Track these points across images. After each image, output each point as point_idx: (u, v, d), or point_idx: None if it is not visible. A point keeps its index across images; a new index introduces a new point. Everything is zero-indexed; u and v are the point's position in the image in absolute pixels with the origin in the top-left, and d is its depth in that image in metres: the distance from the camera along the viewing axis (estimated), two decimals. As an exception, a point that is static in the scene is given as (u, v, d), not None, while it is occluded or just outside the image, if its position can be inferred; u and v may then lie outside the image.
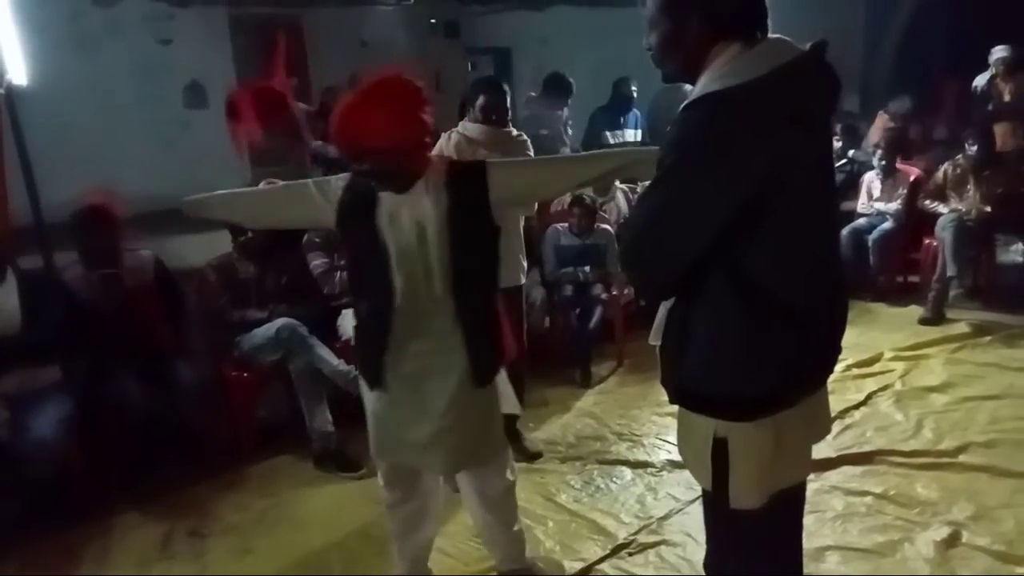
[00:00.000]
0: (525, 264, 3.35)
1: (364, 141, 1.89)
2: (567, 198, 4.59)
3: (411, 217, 1.97)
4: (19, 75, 3.32)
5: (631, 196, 4.96)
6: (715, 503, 1.56)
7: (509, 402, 2.29)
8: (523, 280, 3.36)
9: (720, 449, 1.49)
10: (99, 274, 3.35)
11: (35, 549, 2.89)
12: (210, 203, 2.26)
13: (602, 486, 3.14)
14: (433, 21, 9.99)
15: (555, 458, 3.41)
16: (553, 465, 3.35)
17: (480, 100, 3.15)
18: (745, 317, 1.43)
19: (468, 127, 3.18)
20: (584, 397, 4.08)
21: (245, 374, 3.56)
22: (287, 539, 2.91)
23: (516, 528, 2.44)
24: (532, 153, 3.24)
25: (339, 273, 3.76)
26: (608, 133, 5.99)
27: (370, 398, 2.18)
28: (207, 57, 8.29)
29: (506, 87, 3.28)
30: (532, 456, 3.38)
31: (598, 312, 4.27)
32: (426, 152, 2.02)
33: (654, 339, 1.61)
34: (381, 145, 1.88)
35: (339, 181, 2.08)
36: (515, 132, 3.28)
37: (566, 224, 4.42)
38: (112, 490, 3.24)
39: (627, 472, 3.24)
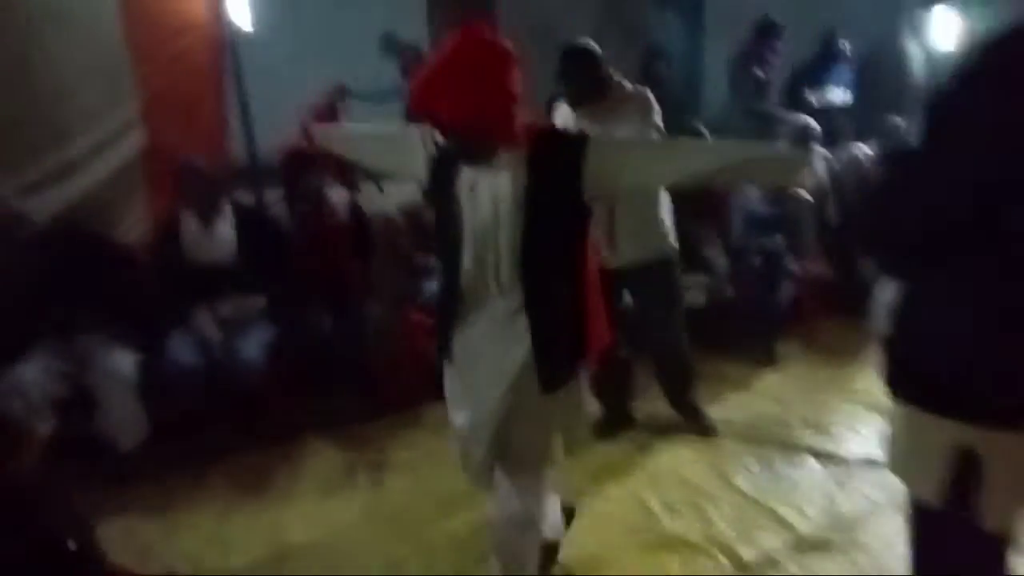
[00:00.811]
0: (671, 230, 3.02)
1: (439, 113, 1.69)
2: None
3: (488, 193, 1.77)
4: (244, 22, 3.51)
5: (834, 163, 4.55)
6: (939, 520, 1.37)
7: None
8: (669, 252, 3.02)
9: (966, 460, 1.29)
10: (301, 212, 3.54)
11: (235, 466, 3.17)
12: (332, 135, 2.28)
13: (783, 474, 2.95)
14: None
15: (731, 437, 3.24)
16: (730, 444, 3.19)
17: (563, 87, 2.83)
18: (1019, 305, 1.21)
19: (563, 109, 2.92)
20: (765, 376, 3.84)
21: (429, 319, 3.66)
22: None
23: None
24: (655, 114, 2.80)
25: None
26: (809, 90, 5.48)
27: (445, 368, 2.03)
28: (399, 5, 8.44)
29: (594, 49, 2.80)
30: (706, 430, 3.25)
31: (787, 286, 3.97)
32: (510, 123, 1.74)
33: (878, 325, 1.41)
34: (455, 118, 1.68)
35: (438, 133, 1.86)
36: (626, 84, 2.85)
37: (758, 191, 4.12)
38: (302, 418, 3.48)
39: (813, 463, 3.02)
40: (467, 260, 1.82)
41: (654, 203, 2.96)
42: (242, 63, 3.58)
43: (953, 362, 1.29)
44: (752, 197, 4.10)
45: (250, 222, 3.38)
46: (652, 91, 2.88)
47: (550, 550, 2.30)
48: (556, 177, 1.75)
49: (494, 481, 2.00)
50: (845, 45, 5.46)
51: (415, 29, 7.87)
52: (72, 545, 1.87)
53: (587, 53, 2.81)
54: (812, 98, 5.35)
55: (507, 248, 1.78)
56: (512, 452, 1.92)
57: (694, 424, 3.28)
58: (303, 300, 3.49)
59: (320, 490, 2.98)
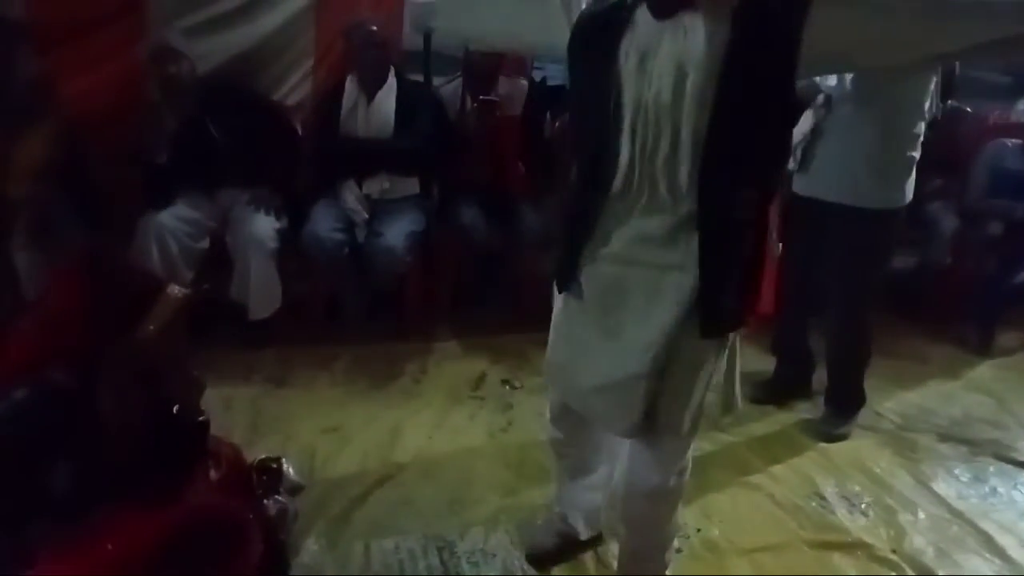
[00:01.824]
0: (911, 181, 2.41)
1: None
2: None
3: (670, 55, 1.30)
4: None
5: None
6: None
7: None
8: (904, 201, 2.41)
9: None
10: (476, 98, 3.18)
11: (362, 355, 2.96)
12: (436, 7, 1.85)
13: (1001, 490, 2.36)
14: None
15: (931, 433, 2.67)
16: (927, 440, 2.62)
17: None
18: None
19: None
20: (979, 367, 3.18)
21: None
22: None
23: (658, 535, 1.69)
24: None
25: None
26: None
27: (555, 304, 1.61)
28: None
29: None
30: (831, 438, 2.57)
31: (1032, 267, 3.23)
32: None
33: None
34: None
35: None
36: None
37: (1019, 141, 3.33)
38: (437, 318, 3.23)
39: (1037, 483, 2.41)
40: (625, 153, 1.35)
41: (902, 139, 2.34)
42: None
43: None
44: (1011, 149, 3.31)
45: (414, 98, 3.06)
46: None
47: (577, 546, 1.92)
48: (767, 41, 1.27)
49: (622, 448, 1.62)
50: None
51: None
52: (176, 409, 1.69)
53: None
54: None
55: (689, 134, 1.31)
56: (660, 412, 1.48)
57: (821, 422, 2.63)
58: (458, 195, 3.18)
59: (445, 398, 2.72)
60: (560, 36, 1.49)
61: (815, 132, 2.42)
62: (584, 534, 1.93)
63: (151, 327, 1.61)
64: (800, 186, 2.52)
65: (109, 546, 1.25)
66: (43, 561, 1.26)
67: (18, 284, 2.65)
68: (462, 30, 2.03)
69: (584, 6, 1.45)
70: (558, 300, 1.61)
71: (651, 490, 1.58)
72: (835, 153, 2.39)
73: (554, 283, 1.60)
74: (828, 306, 2.59)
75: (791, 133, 1.43)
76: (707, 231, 1.36)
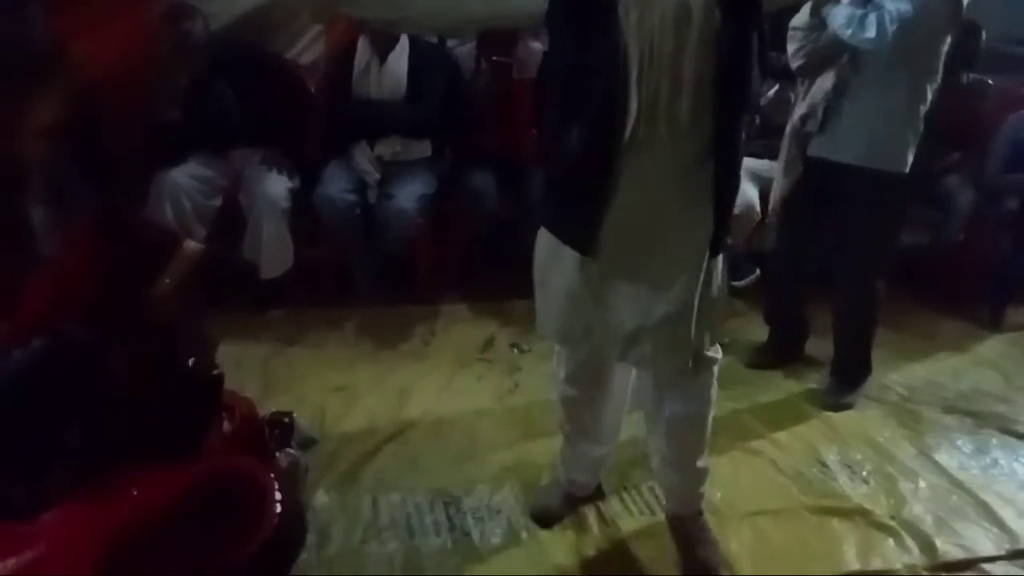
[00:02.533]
0: (905, 148, 2.36)
1: None
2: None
3: (670, 6, 1.37)
4: None
5: None
6: None
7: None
8: (897, 167, 2.36)
9: None
10: (491, 60, 3.15)
11: (372, 317, 2.99)
12: None
13: (1003, 463, 2.37)
14: None
15: (936, 405, 2.67)
16: (933, 414, 2.62)
17: None
18: None
19: None
20: (988, 342, 3.17)
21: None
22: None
23: (700, 464, 1.81)
24: None
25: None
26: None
27: (561, 266, 1.61)
28: None
29: None
30: (838, 407, 2.58)
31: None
32: None
33: None
34: None
35: None
36: None
37: (1041, 115, 3.29)
38: (449, 281, 3.25)
39: (1041, 457, 2.42)
40: (634, 105, 1.39)
41: (902, 96, 2.32)
42: None
43: None
44: (1030, 121, 3.27)
45: (427, 60, 3.04)
46: None
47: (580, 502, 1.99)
48: None
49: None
50: None
51: None
52: (191, 363, 1.72)
53: None
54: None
55: (692, 77, 1.38)
56: (675, 344, 1.57)
57: (826, 394, 2.63)
58: (470, 159, 3.17)
59: (453, 361, 2.75)
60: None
61: (837, 91, 2.36)
62: (587, 491, 1.99)
63: (167, 281, 1.64)
64: (816, 148, 2.45)
65: (134, 492, 1.27)
66: (65, 505, 1.30)
67: (35, 237, 2.69)
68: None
69: None
70: (560, 262, 1.61)
71: (692, 417, 1.71)
72: (863, 114, 2.34)
73: (537, 255, 1.67)
74: (837, 275, 2.59)
75: (762, 64, 1.48)
76: (721, 160, 1.48)
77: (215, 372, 1.79)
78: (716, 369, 1.70)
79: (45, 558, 1.17)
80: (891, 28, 2.16)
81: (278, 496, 1.36)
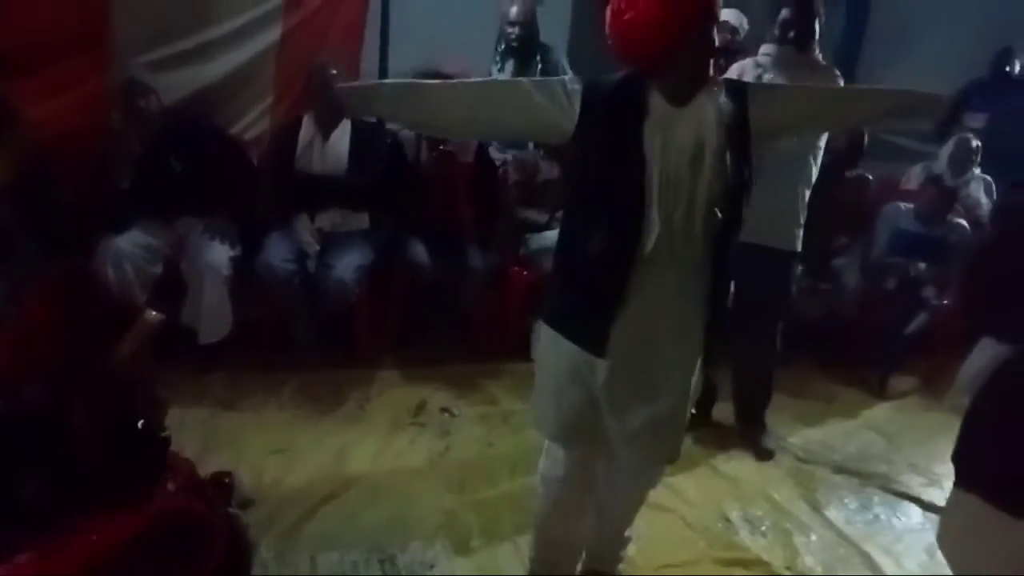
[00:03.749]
0: (800, 230, 2.77)
1: (649, 40, 1.51)
2: (919, 175, 3.91)
3: (690, 137, 1.55)
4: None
5: (994, 188, 4.10)
6: None
7: None
8: (796, 247, 2.78)
9: None
10: (435, 147, 3.37)
11: (308, 381, 3.10)
12: (381, 94, 1.77)
13: (883, 517, 2.65)
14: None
15: (828, 465, 2.96)
16: (824, 473, 2.90)
17: (781, 14, 2.70)
18: None
19: (763, 48, 2.76)
20: (875, 408, 3.51)
21: (524, 272, 3.51)
22: (528, 447, 2.81)
23: (628, 533, 2.06)
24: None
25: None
26: (972, 117, 4.95)
27: (561, 365, 1.71)
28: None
29: (818, 5, 2.71)
30: (763, 453, 2.94)
31: (922, 319, 3.60)
32: (713, 55, 1.59)
33: (957, 397, 1.21)
34: (666, 37, 1.50)
35: (573, 83, 1.62)
36: (820, 58, 2.75)
37: (911, 205, 3.74)
38: (381, 347, 3.39)
39: (916, 513, 2.70)
40: (656, 217, 1.55)
41: (799, 181, 2.70)
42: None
43: None
44: (904, 212, 3.72)
45: (367, 138, 3.26)
46: None
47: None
48: (734, 122, 1.58)
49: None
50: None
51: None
52: (141, 424, 1.81)
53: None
54: (973, 122, 4.83)
55: (704, 200, 1.56)
56: (672, 437, 1.79)
57: (751, 443, 2.96)
58: (406, 231, 3.37)
59: (388, 423, 2.88)
60: (556, 119, 1.61)
61: None
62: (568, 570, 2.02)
63: (126, 348, 1.75)
64: None
65: (94, 536, 1.36)
66: (29, 554, 1.38)
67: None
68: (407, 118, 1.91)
69: (579, 96, 1.59)
70: (562, 360, 1.71)
71: (640, 497, 1.95)
72: (766, 200, 2.67)
73: (533, 348, 1.84)
74: (741, 346, 2.88)
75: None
76: (716, 275, 1.66)
77: (163, 434, 1.88)
78: None
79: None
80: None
81: (224, 540, 1.48)
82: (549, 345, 1.76)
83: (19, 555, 1.40)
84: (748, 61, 2.77)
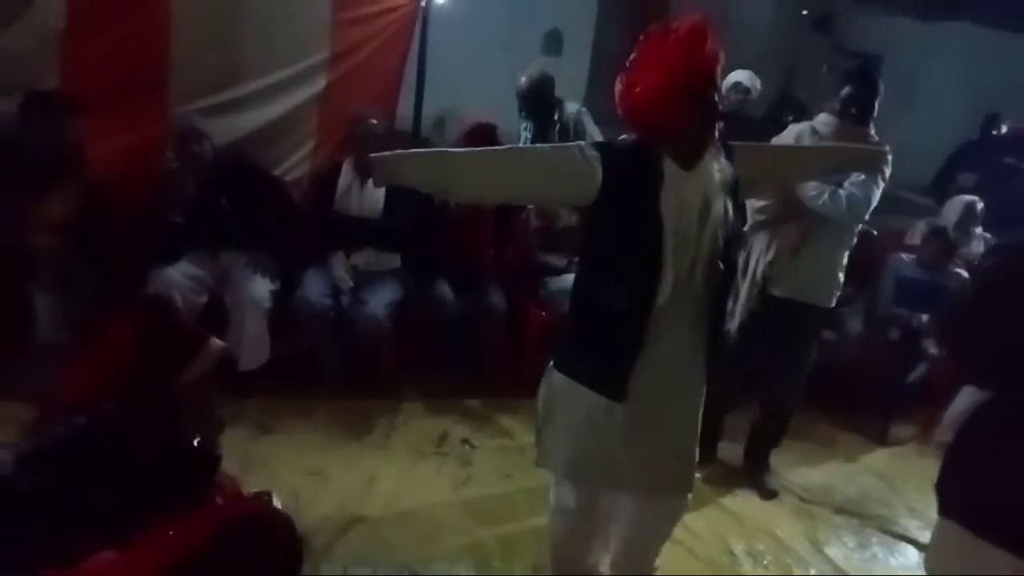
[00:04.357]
0: (839, 288, 3.02)
1: (659, 109, 1.65)
2: (923, 229, 4.10)
3: (698, 196, 1.71)
4: (440, -6, 3.63)
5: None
6: None
7: None
8: (831, 304, 3.01)
9: None
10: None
11: (339, 408, 3.29)
12: (409, 163, 1.78)
13: (880, 557, 2.80)
14: (805, 13, 9.35)
15: (829, 506, 3.11)
16: (825, 513, 3.06)
17: (845, 90, 2.89)
18: None
19: (821, 118, 2.95)
20: (875, 453, 3.67)
21: (543, 312, 3.70)
22: (543, 478, 2.95)
23: (657, 563, 2.09)
24: (888, 167, 2.74)
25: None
26: (964, 176, 5.19)
27: (578, 409, 1.82)
28: (571, 5, 8.47)
29: (881, 87, 2.93)
30: (767, 493, 3.11)
31: (922, 369, 3.77)
32: (716, 119, 1.73)
33: (947, 432, 1.36)
34: (677, 110, 1.64)
35: (589, 149, 1.74)
36: (874, 135, 2.94)
37: (914, 256, 3.93)
38: (408, 378, 3.58)
39: (913, 554, 2.85)
40: (669, 276, 1.70)
41: (843, 246, 2.95)
42: (428, 34, 3.70)
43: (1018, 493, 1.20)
44: (907, 262, 3.91)
45: (404, 188, 3.45)
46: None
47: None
48: (730, 179, 1.77)
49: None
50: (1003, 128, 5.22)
51: (582, 30, 7.95)
52: (197, 442, 2.00)
53: (875, 78, 2.96)
54: (965, 180, 5.07)
55: (708, 252, 1.73)
56: (685, 471, 1.91)
57: (756, 483, 3.14)
58: (433, 270, 3.58)
59: (412, 452, 3.06)
60: (581, 184, 1.73)
61: (805, 245, 2.88)
62: None
63: (193, 373, 1.94)
64: (780, 289, 2.92)
65: (171, 533, 1.54)
66: (112, 552, 1.55)
67: (35, 323, 2.93)
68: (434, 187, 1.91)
69: (597, 161, 1.71)
70: (587, 406, 1.79)
71: (666, 532, 2.02)
72: (817, 263, 2.91)
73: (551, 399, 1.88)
74: (770, 394, 3.11)
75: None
76: (715, 317, 1.82)
77: (216, 453, 2.07)
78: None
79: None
80: (852, 204, 2.77)
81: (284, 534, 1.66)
82: (562, 392, 1.85)
83: (104, 552, 1.58)
84: (805, 126, 2.96)
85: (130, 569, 1.49)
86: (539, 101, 3.92)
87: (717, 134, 1.77)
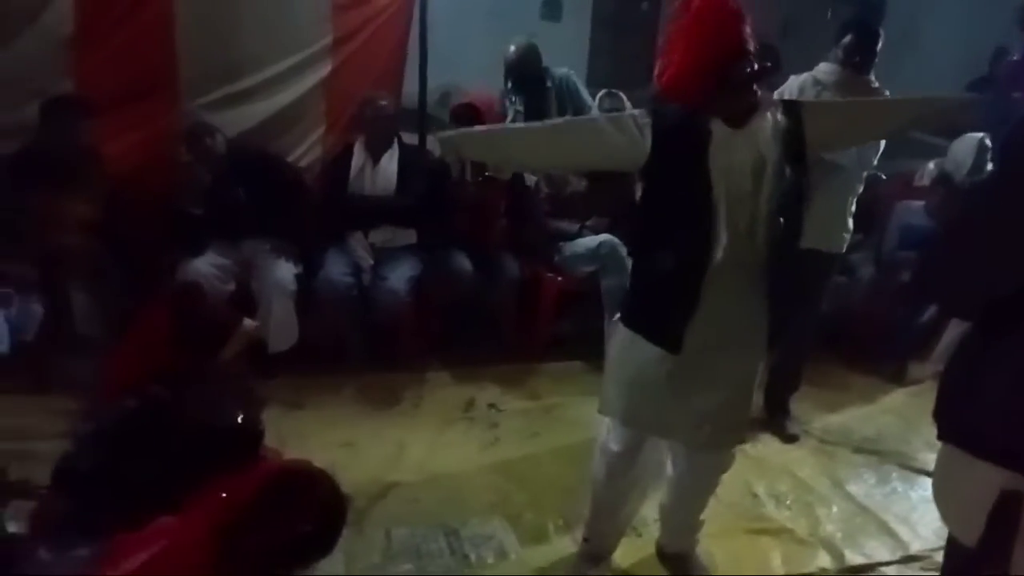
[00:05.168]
0: (848, 233, 3.09)
1: (699, 75, 1.73)
2: (932, 172, 4.12)
3: (750, 155, 1.76)
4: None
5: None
6: (975, 563, 1.35)
7: None
8: (842, 249, 3.10)
9: (1009, 503, 1.26)
10: (480, 171, 3.64)
11: (366, 382, 3.40)
12: (471, 140, 2.00)
13: (900, 490, 2.89)
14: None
15: (848, 446, 3.20)
16: (844, 453, 3.14)
17: (847, 39, 2.92)
18: None
19: (822, 67, 2.98)
20: (893, 393, 3.73)
21: (559, 278, 3.78)
22: (568, 435, 3.08)
23: (703, 516, 2.25)
24: None
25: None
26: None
27: (637, 361, 1.94)
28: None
29: (881, 33, 2.96)
30: (789, 437, 3.19)
31: (933, 309, 3.80)
32: (747, 88, 1.79)
33: (938, 362, 1.43)
34: (720, 66, 1.72)
35: (643, 117, 1.85)
36: (875, 82, 2.98)
37: (921, 203, 3.96)
38: (432, 349, 3.69)
39: (930, 484, 2.92)
40: (724, 232, 1.77)
41: (851, 192, 2.99)
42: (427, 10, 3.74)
43: (1007, 409, 1.26)
44: (915, 210, 3.94)
45: (415, 164, 3.57)
46: None
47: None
48: (790, 139, 1.80)
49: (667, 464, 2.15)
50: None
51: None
52: (240, 418, 2.11)
53: (874, 27, 2.98)
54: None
55: (765, 210, 1.77)
56: (734, 425, 2.02)
57: (777, 428, 3.22)
58: (449, 244, 3.67)
59: (440, 419, 3.17)
60: (630, 150, 1.84)
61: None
62: (613, 550, 2.29)
63: (230, 351, 2.06)
64: None
65: (223, 494, 1.66)
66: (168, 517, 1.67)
67: (72, 317, 3.06)
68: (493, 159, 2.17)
69: (648, 128, 1.82)
70: (637, 354, 1.93)
71: (711, 484, 2.14)
72: (827, 210, 2.93)
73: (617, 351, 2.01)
74: (783, 341, 3.13)
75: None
76: (777, 275, 1.86)
77: (260, 427, 2.18)
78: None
79: (169, 549, 1.55)
80: (862, 151, 2.82)
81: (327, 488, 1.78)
82: (626, 343, 1.97)
83: (162, 519, 1.70)
84: (807, 77, 2.98)
85: (185, 530, 1.60)
86: (527, 71, 3.98)
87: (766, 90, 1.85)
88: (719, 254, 1.78)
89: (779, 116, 1.81)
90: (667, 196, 1.87)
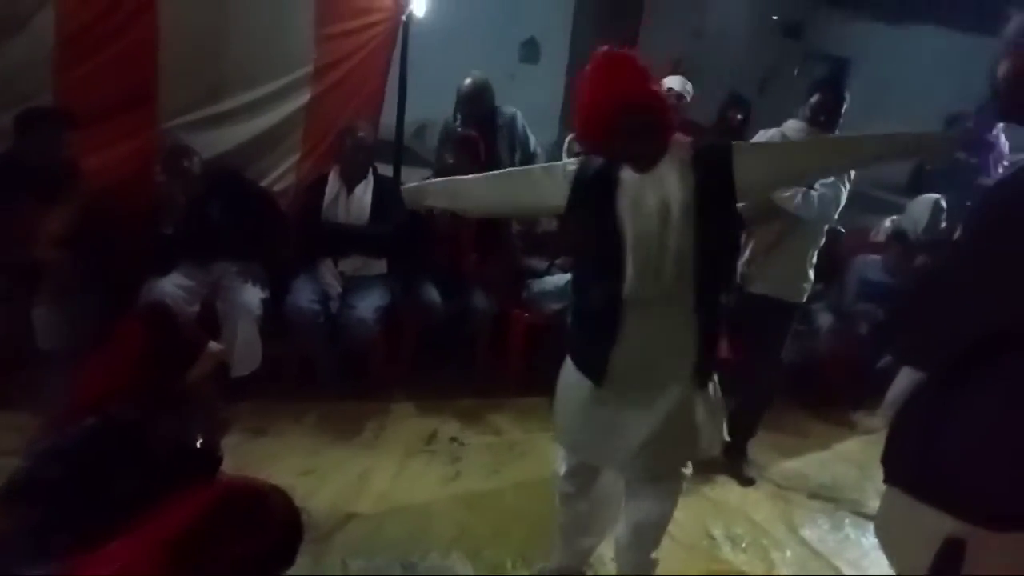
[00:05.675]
0: (809, 284, 3.16)
1: (606, 121, 1.82)
2: (888, 228, 4.28)
3: (655, 198, 1.84)
4: (419, 7, 3.73)
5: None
6: None
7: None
8: (803, 299, 3.17)
9: (953, 548, 1.32)
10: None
11: (330, 410, 3.39)
12: (428, 191, 2.24)
13: (852, 537, 2.95)
14: (775, 18, 9.61)
15: (804, 492, 3.26)
16: (800, 498, 3.20)
17: (814, 98, 3.04)
18: None
19: (790, 124, 3.09)
20: (848, 441, 3.82)
21: (526, 314, 3.82)
22: (531, 471, 3.09)
23: (655, 556, 2.24)
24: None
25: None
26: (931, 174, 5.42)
27: (575, 391, 2.05)
28: (548, 15, 8.65)
29: (847, 94, 3.10)
30: (745, 480, 3.25)
31: (888, 360, 3.92)
32: (671, 126, 1.90)
33: (889, 409, 1.50)
34: (638, 101, 1.82)
35: (569, 165, 2.00)
36: None
37: (879, 257, 4.10)
38: (397, 380, 3.68)
39: (883, 533, 2.99)
40: (631, 272, 1.85)
41: (813, 244, 3.08)
42: (408, 46, 3.81)
43: (957, 457, 1.32)
44: (872, 264, 4.08)
45: (390, 195, 3.57)
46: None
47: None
48: (715, 181, 1.84)
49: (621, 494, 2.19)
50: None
51: (559, 38, 8.12)
52: (199, 443, 2.09)
53: (841, 86, 3.09)
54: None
55: (676, 251, 1.83)
56: (668, 456, 2.05)
57: (735, 471, 3.27)
58: (420, 276, 3.69)
59: (403, 450, 3.16)
60: (555, 195, 1.98)
61: (779, 244, 3.05)
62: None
63: (196, 373, 2.05)
64: (756, 286, 3.09)
65: (175, 511, 1.63)
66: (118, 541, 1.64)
67: (28, 336, 3.01)
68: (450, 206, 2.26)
69: (572, 175, 1.97)
70: (576, 388, 2.04)
71: (661, 519, 2.15)
72: (791, 260, 3.06)
73: (561, 380, 2.11)
74: (746, 386, 3.19)
75: (740, 239, 2.01)
76: (702, 316, 1.90)
77: (218, 454, 2.16)
78: (682, 481, 2.15)
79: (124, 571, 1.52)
80: (823, 206, 2.92)
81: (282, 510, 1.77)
82: (568, 373, 2.09)
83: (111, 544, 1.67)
84: (775, 132, 3.09)
85: (138, 548, 1.58)
86: (478, 107, 4.06)
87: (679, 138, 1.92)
88: (627, 289, 1.86)
89: (695, 161, 1.86)
90: (582, 236, 2.02)
